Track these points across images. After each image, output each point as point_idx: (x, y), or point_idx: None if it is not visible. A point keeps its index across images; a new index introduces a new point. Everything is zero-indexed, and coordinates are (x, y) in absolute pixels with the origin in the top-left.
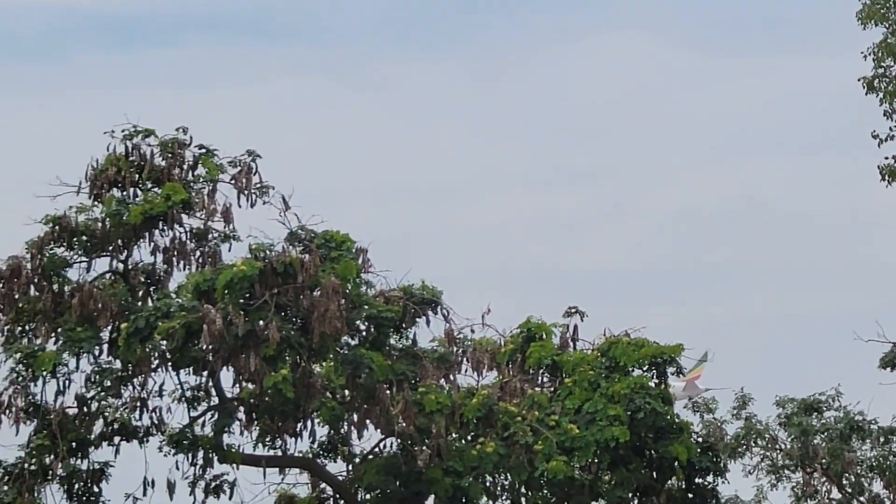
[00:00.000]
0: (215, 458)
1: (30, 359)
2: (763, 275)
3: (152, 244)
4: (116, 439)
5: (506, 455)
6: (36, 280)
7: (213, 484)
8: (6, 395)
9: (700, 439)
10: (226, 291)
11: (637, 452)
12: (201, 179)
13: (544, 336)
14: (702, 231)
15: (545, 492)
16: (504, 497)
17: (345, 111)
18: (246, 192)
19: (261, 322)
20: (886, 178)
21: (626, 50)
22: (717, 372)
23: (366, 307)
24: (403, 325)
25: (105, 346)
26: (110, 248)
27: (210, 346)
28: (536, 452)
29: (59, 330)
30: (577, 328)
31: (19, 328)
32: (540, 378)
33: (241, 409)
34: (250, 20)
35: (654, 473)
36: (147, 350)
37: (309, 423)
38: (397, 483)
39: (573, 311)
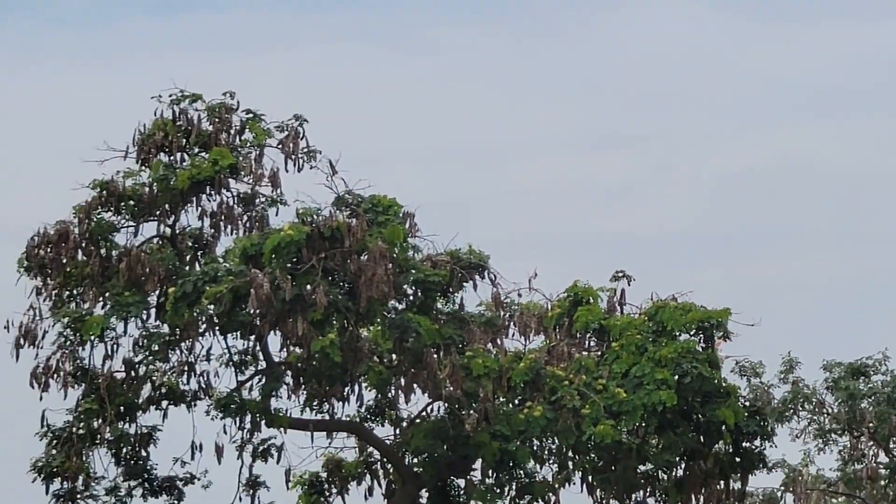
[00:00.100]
0: (263, 422)
1: (78, 323)
2: (811, 238)
3: (199, 209)
4: (164, 403)
5: (553, 419)
6: (84, 245)
7: (261, 448)
8: (54, 360)
9: (747, 403)
10: (273, 256)
11: (684, 416)
12: (248, 144)
13: (591, 300)
14: (749, 194)
15: (592, 455)
16: (551, 461)
17: (392, 75)
18: (293, 156)
19: (308, 286)
20: None
21: (673, 13)
22: (764, 336)
23: (413, 271)
24: (450, 290)
25: (153, 311)
26: (157, 212)
27: (257, 311)
28: (584, 416)
29: (107, 294)
30: (625, 292)
31: (67, 293)
32: (587, 342)
33: (289, 373)
34: None
35: (702, 437)
36: (194, 314)
37: (356, 387)
38: (444, 447)
39: (620, 275)
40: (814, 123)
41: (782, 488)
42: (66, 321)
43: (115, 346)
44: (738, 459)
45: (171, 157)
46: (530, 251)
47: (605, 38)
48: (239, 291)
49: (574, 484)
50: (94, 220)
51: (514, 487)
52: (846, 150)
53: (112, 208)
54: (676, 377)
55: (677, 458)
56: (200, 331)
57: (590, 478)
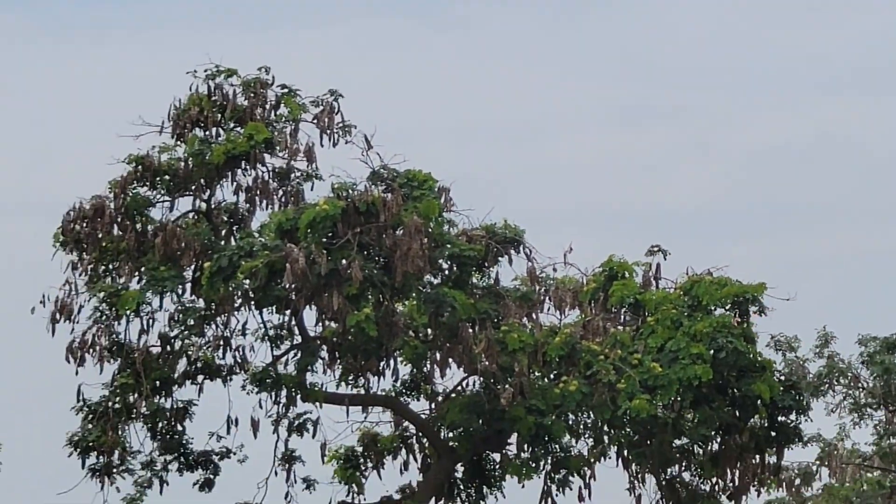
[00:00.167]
0: (298, 397)
1: (113, 298)
2: (846, 213)
3: (235, 183)
4: (200, 378)
5: (588, 393)
6: (119, 219)
7: (297, 422)
8: (90, 335)
9: (782, 378)
10: (308, 230)
11: (720, 391)
12: (283, 119)
13: (627, 275)
14: (785, 169)
15: (628, 430)
16: (587, 435)
17: (426, 50)
18: (328, 131)
19: (343, 261)
20: None
21: None
22: (799, 310)
23: (448, 246)
24: (486, 264)
25: (188, 285)
26: (193, 187)
27: (293, 285)
28: (619, 391)
29: (143, 269)
30: (660, 267)
31: (103, 267)
32: (622, 316)
33: (324, 347)
34: None
35: (737, 412)
36: (230, 289)
37: (392, 361)
38: (480, 421)
39: (655, 249)
40: (850, 99)
41: (818, 462)
42: (102, 296)
43: (150, 320)
44: (773, 434)
45: (207, 132)
46: (565, 226)
47: (641, 12)
48: (274, 266)
49: (609, 458)
50: (130, 195)
51: (549, 462)
52: (882, 126)
53: (147, 183)
54: (712, 352)
55: (713, 433)
56: (236, 305)
57: (625, 452)
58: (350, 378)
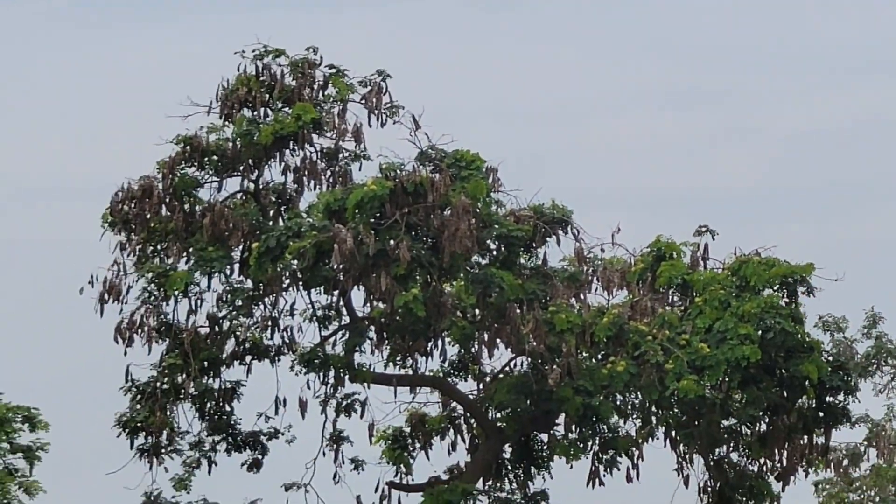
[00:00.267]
0: (346, 377)
1: (161, 278)
2: (893, 194)
3: (283, 164)
4: (248, 358)
5: (636, 374)
6: (167, 200)
7: (344, 403)
8: (138, 315)
9: (830, 358)
10: (356, 211)
11: (768, 371)
12: (331, 99)
13: (674, 255)
14: (833, 150)
15: (675, 410)
16: (634, 416)
17: (475, 31)
18: (376, 111)
19: (391, 241)
20: None
21: None
22: (847, 291)
23: (496, 226)
24: (533, 245)
25: (236, 266)
26: (241, 167)
27: (341, 266)
28: (667, 371)
29: (191, 250)
30: (708, 247)
31: (151, 248)
32: (670, 297)
33: (372, 328)
34: None
35: (785, 392)
36: (278, 269)
37: (439, 342)
38: (528, 402)
39: (703, 229)
40: (891, 80)
41: (865, 443)
42: (150, 276)
43: (198, 301)
44: (821, 414)
45: (255, 113)
46: (613, 206)
47: None
48: (322, 246)
49: (657, 439)
50: (178, 175)
51: (597, 442)
52: None
53: (196, 163)
54: (760, 332)
55: (760, 413)
56: (284, 286)
57: (673, 433)
58: (398, 358)
